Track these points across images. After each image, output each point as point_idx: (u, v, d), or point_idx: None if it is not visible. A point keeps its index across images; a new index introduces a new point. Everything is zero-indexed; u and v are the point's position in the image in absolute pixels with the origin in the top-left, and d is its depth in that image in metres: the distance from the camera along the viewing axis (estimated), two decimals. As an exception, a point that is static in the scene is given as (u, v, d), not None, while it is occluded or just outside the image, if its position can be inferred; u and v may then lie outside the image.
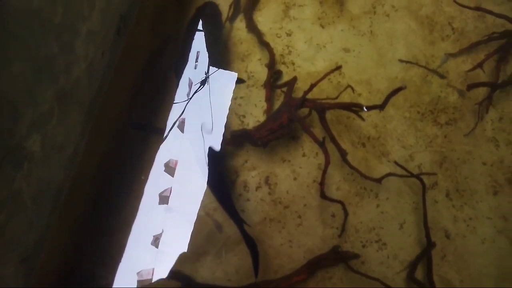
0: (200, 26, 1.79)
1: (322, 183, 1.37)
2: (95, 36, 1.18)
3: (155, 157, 1.61)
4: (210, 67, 1.72)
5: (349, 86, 1.51)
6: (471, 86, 1.54)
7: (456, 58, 1.75)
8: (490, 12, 1.60)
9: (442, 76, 1.72)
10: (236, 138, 1.53)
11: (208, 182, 1.57)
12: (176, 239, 1.53)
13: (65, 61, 0.99)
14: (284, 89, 1.61)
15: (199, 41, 1.76)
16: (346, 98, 1.70)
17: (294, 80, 1.55)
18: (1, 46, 0.75)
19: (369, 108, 1.40)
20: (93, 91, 1.23)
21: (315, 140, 1.40)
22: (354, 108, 1.41)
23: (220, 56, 1.75)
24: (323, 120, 1.46)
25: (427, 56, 1.77)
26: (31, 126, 0.91)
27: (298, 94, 1.67)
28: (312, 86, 1.46)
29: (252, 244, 1.45)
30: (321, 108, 1.44)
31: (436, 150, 1.64)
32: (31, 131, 0.91)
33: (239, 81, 1.67)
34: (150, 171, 1.59)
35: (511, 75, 1.58)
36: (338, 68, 1.47)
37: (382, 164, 1.62)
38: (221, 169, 1.61)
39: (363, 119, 1.51)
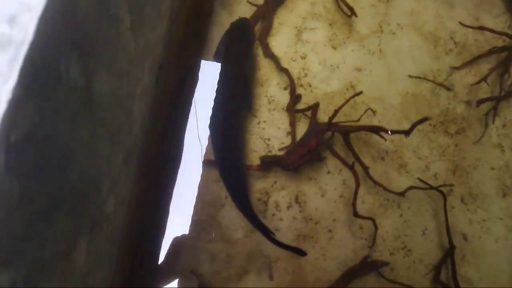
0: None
1: (354, 203, 1.50)
2: (145, 93, 1.25)
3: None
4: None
5: (369, 108, 1.63)
6: (480, 102, 1.69)
7: (460, 71, 1.89)
8: (492, 31, 1.74)
9: (448, 89, 1.85)
10: (267, 163, 1.63)
11: (233, 199, 1.67)
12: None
13: (129, 125, 1.07)
14: (307, 113, 1.72)
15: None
16: (360, 112, 1.83)
17: (317, 105, 1.66)
18: (90, 131, 0.83)
19: (394, 132, 1.52)
20: (140, 140, 1.31)
21: (345, 164, 1.52)
22: (378, 131, 1.52)
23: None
24: (347, 142, 1.58)
25: (433, 71, 1.90)
26: (109, 192, 0.99)
27: (319, 114, 1.79)
28: (336, 112, 1.56)
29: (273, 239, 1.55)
30: (345, 131, 1.56)
31: (449, 159, 1.79)
32: (108, 195, 0.99)
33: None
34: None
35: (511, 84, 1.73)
36: (359, 93, 1.58)
37: (401, 176, 1.75)
38: (242, 185, 1.71)
39: (385, 139, 1.63)
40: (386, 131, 1.52)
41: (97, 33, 0.85)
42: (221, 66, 1.81)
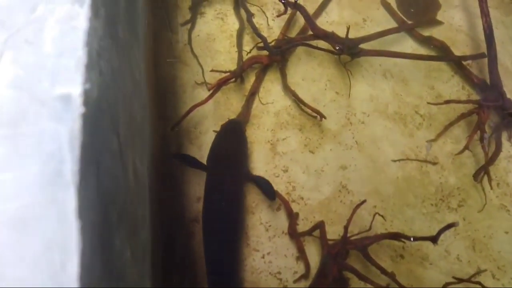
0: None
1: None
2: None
3: None
4: None
5: (377, 213, 1.55)
6: (476, 175, 1.68)
7: (438, 142, 1.90)
8: (458, 102, 1.79)
9: (434, 163, 1.84)
10: (292, 307, 1.44)
11: None
12: None
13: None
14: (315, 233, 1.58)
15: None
16: (363, 214, 1.74)
17: (322, 224, 1.54)
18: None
19: (417, 239, 1.43)
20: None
21: (378, 286, 1.38)
22: (399, 238, 1.43)
23: None
24: (367, 257, 1.46)
25: (413, 149, 1.89)
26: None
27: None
28: (346, 229, 1.45)
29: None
30: (363, 246, 1.44)
31: (464, 236, 1.72)
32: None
33: None
34: None
35: (495, 148, 1.76)
36: (363, 202, 1.49)
37: (427, 270, 1.64)
38: None
39: (404, 242, 1.53)
40: (408, 238, 1.43)
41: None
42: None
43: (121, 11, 0.87)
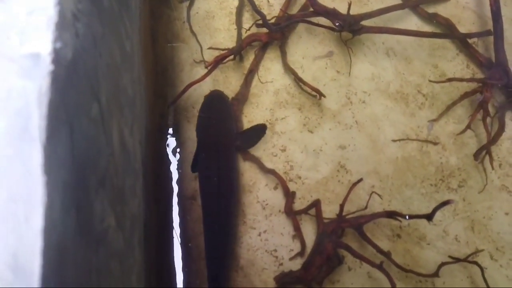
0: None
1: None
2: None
3: None
4: None
5: (373, 192, 1.53)
6: (477, 155, 1.65)
7: (439, 122, 1.86)
8: (460, 80, 1.74)
9: (435, 143, 1.81)
10: (285, 284, 1.45)
11: None
12: None
13: None
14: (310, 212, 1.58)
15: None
16: (361, 193, 1.73)
17: (318, 202, 1.53)
18: None
19: (413, 217, 1.42)
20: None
21: (372, 264, 1.38)
22: (395, 216, 1.42)
23: None
24: (363, 235, 1.45)
25: (414, 129, 1.86)
26: None
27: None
28: (342, 207, 1.45)
29: None
30: (358, 224, 1.43)
31: (463, 217, 1.70)
32: None
33: None
34: None
35: (498, 128, 1.72)
36: (359, 181, 1.48)
37: (424, 250, 1.63)
38: None
39: (400, 220, 1.52)
40: (403, 216, 1.42)
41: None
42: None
43: (108, -20, 0.86)
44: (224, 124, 1.75)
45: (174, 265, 1.61)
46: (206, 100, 1.78)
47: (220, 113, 1.76)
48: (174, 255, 1.63)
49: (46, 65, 0.52)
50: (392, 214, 1.43)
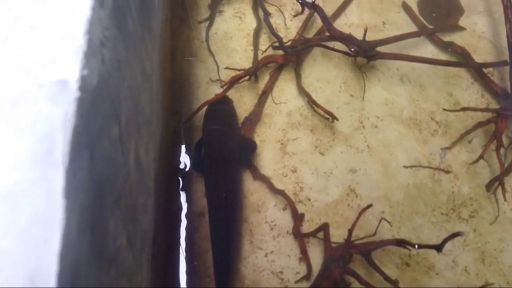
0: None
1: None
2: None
3: None
4: None
5: (383, 218, 1.53)
6: (489, 186, 1.64)
7: (452, 150, 1.86)
8: (475, 109, 1.75)
9: (447, 171, 1.80)
10: (291, 307, 1.44)
11: None
12: None
13: None
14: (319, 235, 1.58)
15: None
16: (371, 219, 1.72)
17: (327, 226, 1.53)
18: None
19: (421, 246, 1.41)
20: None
21: (379, 292, 1.36)
22: (403, 245, 1.41)
23: None
24: (370, 262, 1.44)
25: (426, 156, 1.86)
26: None
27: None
28: (350, 232, 1.44)
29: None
30: (366, 251, 1.42)
31: (473, 248, 1.68)
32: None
33: None
34: None
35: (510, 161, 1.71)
36: (369, 207, 1.48)
37: (432, 279, 1.61)
38: None
39: (409, 249, 1.51)
40: (412, 245, 1.40)
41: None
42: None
43: (132, 5, 0.89)
44: (230, 137, 1.77)
45: (179, 284, 1.62)
46: (212, 110, 1.79)
47: (227, 124, 1.78)
48: (181, 273, 1.64)
49: (72, 92, 0.55)
50: (401, 243, 1.42)
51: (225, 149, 1.72)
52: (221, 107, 1.82)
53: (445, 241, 1.35)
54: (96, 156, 0.61)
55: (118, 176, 0.73)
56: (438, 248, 1.35)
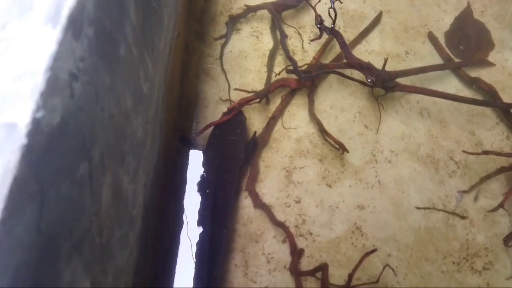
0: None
1: None
2: None
3: None
4: None
5: (387, 265, 1.43)
6: (508, 240, 1.51)
7: (470, 194, 1.74)
8: (498, 154, 1.62)
9: (463, 217, 1.67)
10: None
11: None
12: None
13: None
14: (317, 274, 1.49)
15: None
16: (375, 261, 1.61)
17: (326, 266, 1.44)
18: None
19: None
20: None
21: None
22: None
23: None
24: (370, 311, 1.34)
25: (441, 198, 1.74)
26: None
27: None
28: (350, 277, 1.35)
29: None
30: (365, 299, 1.33)
31: (486, 304, 1.56)
32: None
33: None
34: None
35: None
36: (373, 251, 1.39)
37: (437, 336, 1.50)
38: None
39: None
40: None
41: None
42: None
43: (128, 29, 0.84)
44: (235, 153, 1.72)
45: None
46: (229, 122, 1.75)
47: (235, 142, 1.74)
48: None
49: (20, 137, 0.50)
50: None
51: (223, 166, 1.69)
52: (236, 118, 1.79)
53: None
54: (49, 204, 0.56)
55: (82, 218, 0.68)
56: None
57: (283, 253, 1.63)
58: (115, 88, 0.80)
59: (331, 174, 1.79)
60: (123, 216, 0.91)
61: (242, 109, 1.80)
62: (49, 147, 0.55)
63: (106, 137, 0.75)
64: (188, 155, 1.78)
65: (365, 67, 1.78)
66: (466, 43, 2.04)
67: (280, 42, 1.89)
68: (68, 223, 0.62)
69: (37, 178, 0.53)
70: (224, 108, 1.88)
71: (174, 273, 1.59)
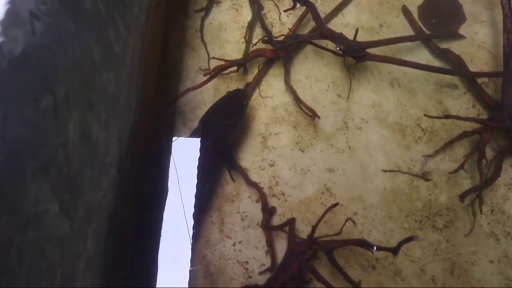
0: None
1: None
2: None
3: None
4: None
5: (349, 219, 1.52)
6: (463, 196, 1.60)
7: (434, 159, 1.83)
8: (458, 118, 1.71)
9: (426, 179, 1.77)
10: (248, 296, 1.46)
11: None
12: None
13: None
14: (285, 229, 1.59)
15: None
16: (342, 219, 1.71)
17: (293, 221, 1.54)
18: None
19: (380, 249, 1.40)
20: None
21: (332, 290, 1.36)
22: (364, 245, 1.40)
23: None
24: (332, 261, 1.44)
25: (407, 162, 1.83)
26: None
27: (298, 225, 1.68)
28: (314, 228, 1.44)
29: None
30: (328, 249, 1.42)
31: (444, 258, 1.65)
32: None
33: None
34: None
35: (493, 172, 1.66)
36: (335, 205, 1.48)
37: (397, 285, 1.59)
38: None
39: (372, 252, 1.50)
40: (371, 246, 1.40)
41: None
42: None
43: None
44: (225, 134, 1.81)
45: (153, 265, 1.65)
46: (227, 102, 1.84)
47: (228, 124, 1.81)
48: (157, 256, 1.68)
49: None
50: (361, 243, 1.41)
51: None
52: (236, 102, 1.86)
53: (400, 244, 1.33)
54: (12, 121, 0.65)
55: (47, 145, 0.77)
56: (394, 251, 1.34)
57: (257, 212, 1.73)
58: (80, 37, 0.88)
59: (304, 140, 1.88)
60: (93, 159, 1.01)
61: (247, 100, 1.86)
62: (12, 72, 0.64)
63: (71, 79, 0.84)
64: (170, 123, 1.88)
65: (337, 38, 1.86)
66: (438, 16, 2.12)
67: (256, 13, 1.97)
68: (33, 144, 0.71)
69: (1, 95, 0.62)
70: (203, 77, 1.94)
71: (159, 236, 1.69)
